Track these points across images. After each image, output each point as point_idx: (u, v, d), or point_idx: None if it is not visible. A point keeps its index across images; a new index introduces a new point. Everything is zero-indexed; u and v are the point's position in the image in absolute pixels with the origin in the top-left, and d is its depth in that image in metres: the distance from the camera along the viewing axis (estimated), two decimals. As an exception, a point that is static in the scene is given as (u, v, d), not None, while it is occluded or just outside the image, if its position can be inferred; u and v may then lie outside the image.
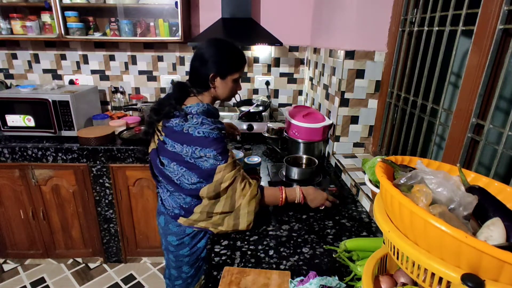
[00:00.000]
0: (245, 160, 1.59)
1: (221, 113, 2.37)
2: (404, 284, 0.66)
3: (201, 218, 1.18)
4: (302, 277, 0.89)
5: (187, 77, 1.28)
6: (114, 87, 2.46)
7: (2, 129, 2.02)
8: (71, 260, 2.32)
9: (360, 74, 1.60)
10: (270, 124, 2.01)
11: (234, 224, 1.16)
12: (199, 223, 1.20)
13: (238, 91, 1.29)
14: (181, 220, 1.22)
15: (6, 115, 1.99)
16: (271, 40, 2.05)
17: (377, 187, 1.05)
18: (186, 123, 1.11)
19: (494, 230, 0.53)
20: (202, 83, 1.19)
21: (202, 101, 1.21)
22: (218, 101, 1.31)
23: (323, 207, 1.29)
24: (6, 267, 2.27)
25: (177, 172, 1.15)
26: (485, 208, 0.59)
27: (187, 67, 2.46)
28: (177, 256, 1.30)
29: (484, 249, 0.43)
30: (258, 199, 1.17)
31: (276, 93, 2.55)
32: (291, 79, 2.52)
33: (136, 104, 2.41)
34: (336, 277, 0.89)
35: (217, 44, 1.18)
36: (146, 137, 1.25)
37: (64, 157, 1.97)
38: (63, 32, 2.09)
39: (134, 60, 2.44)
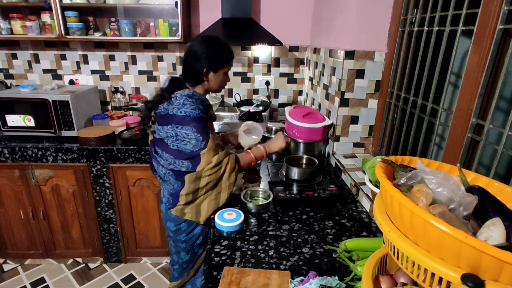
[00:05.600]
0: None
1: (221, 113, 2.38)
2: (404, 284, 0.66)
3: (188, 199, 1.27)
4: (302, 277, 0.89)
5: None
6: (114, 87, 2.46)
7: (2, 129, 2.02)
8: (71, 260, 2.32)
9: (360, 74, 1.60)
10: (270, 124, 2.01)
11: (215, 199, 1.28)
12: (186, 215, 1.30)
13: (227, 83, 1.41)
14: (173, 211, 1.32)
15: (6, 115, 1.99)
16: (271, 40, 2.05)
17: (377, 187, 1.05)
18: (170, 106, 1.22)
19: (494, 230, 0.53)
20: (196, 77, 1.30)
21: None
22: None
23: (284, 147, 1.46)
24: (6, 267, 2.27)
25: (170, 160, 1.25)
26: (485, 208, 0.59)
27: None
28: (175, 242, 1.39)
29: (484, 249, 0.43)
30: (237, 171, 1.30)
31: (276, 93, 2.55)
32: (291, 79, 2.52)
33: (136, 104, 2.41)
34: (336, 277, 0.89)
35: (208, 41, 1.29)
36: (143, 128, 1.37)
37: (64, 157, 1.97)
38: (63, 32, 2.09)
39: (134, 60, 2.44)
